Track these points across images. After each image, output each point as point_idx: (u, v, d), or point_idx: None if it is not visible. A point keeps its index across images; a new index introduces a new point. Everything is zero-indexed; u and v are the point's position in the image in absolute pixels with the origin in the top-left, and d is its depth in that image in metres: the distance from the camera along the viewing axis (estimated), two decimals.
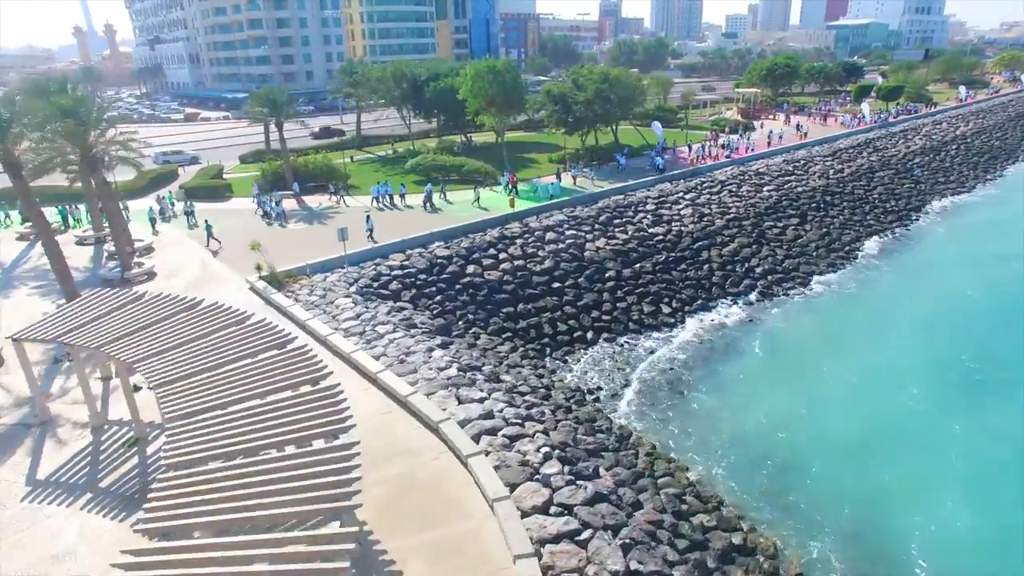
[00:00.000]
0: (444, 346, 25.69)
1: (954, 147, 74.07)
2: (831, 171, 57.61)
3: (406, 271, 32.43)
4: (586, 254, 36.88)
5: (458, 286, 32.64)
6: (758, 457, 23.42)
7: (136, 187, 49.69)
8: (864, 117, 77.48)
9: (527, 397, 22.34)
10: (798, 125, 74.21)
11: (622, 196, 44.36)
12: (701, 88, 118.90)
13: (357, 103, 62.83)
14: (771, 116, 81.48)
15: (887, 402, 26.82)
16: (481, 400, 20.38)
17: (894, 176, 61.06)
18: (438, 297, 31.59)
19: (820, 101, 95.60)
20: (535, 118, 63.59)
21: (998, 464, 23.06)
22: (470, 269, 33.71)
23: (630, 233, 39.57)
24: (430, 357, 23.53)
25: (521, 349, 30.26)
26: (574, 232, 38.21)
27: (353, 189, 47.33)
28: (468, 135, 61.86)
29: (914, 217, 53.07)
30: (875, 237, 47.40)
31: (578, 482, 16.61)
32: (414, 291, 31.47)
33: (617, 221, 40.63)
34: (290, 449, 13.24)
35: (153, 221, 39.63)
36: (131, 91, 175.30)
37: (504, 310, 32.28)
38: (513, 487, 16.14)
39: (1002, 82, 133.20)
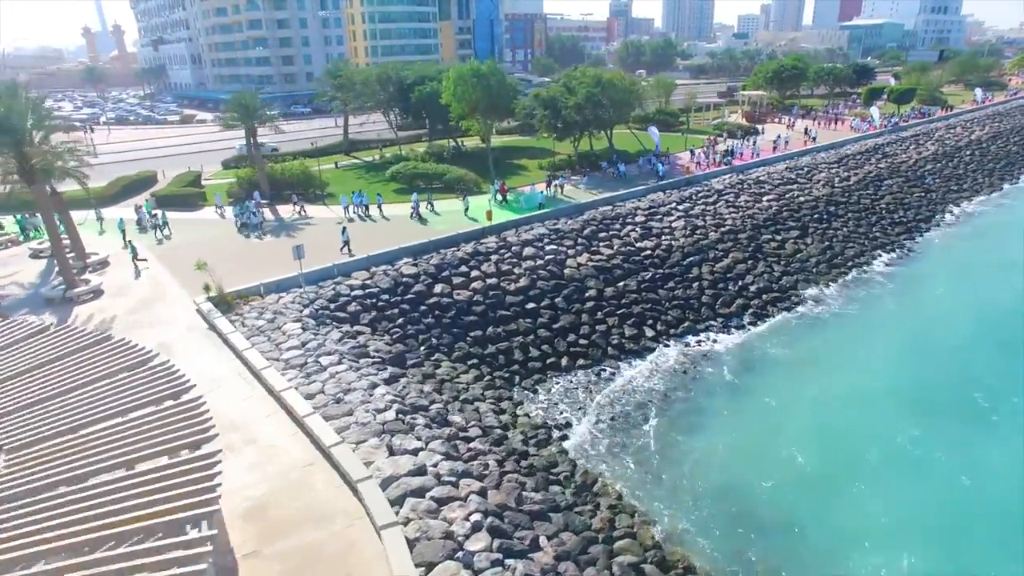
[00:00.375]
0: (392, 380, 23.40)
1: (968, 153, 70.82)
2: (836, 179, 54.76)
3: (368, 291, 30.16)
4: (566, 271, 34.44)
5: (423, 307, 30.33)
6: (740, 508, 20.94)
7: (107, 194, 47.81)
8: (873, 121, 74.35)
9: (474, 444, 19.98)
10: (806, 129, 71.29)
11: (610, 207, 41.85)
12: (718, 94, 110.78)
13: (343, 106, 60.75)
14: (776, 120, 78.50)
15: (889, 444, 24.22)
16: (415, 451, 18.05)
17: (904, 184, 58.07)
18: (400, 320, 29.30)
19: (829, 104, 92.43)
20: (528, 122, 61.19)
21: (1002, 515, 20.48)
22: (438, 288, 31.39)
23: (615, 248, 37.08)
24: (371, 395, 21.24)
25: (487, 378, 27.91)
26: (555, 247, 35.78)
27: (328, 198, 45.14)
28: (458, 140, 59.56)
29: (924, 229, 50.13)
30: (881, 251, 44.55)
31: (507, 562, 14.26)
32: (374, 313, 29.19)
33: (603, 235, 38.16)
34: (152, 464, 13.70)
35: (124, 232, 37.42)
36: (135, 92, 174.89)
37: (472, 333, 29.94)
38: (429, 567, 13.80)
39: (1021, 83, 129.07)
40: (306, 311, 27.90)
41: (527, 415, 25.67)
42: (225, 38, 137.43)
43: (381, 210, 41.77)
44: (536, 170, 52.83)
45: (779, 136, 65.09)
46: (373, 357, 25.46)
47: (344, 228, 35.40)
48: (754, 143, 62.85)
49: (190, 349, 24.51)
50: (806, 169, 55.77)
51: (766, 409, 26.69)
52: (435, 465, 17.49)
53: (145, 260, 34.25)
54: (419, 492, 16.15)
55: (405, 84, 56.95)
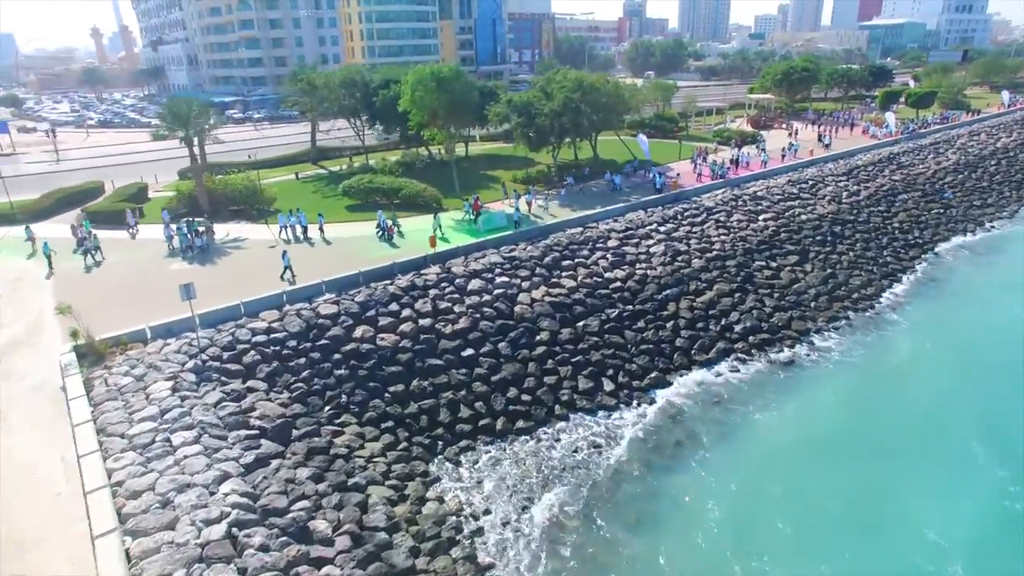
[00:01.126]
0: (257, 466, 18.74)
1: (994, 163, 64.75)
2: (844, 193, 49.30)
3: (272, 336, 25.53)
4: (517, 309, 29.56)
5: (337, 355, 25.64)
6: None
7: (37, 208, 43.69)
8: (888, 127, 68.52)
9: (327, 570, 15.20)
10: (820, 135, 65.77)
11: (580, 229, 36.88)
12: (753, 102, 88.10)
13: (310, 112, 56.39)
14: (782, 125, 72.87)
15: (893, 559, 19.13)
16: None
17: (920, 199, 52.43)
18: (306, 372, 24.66)
19: (841, 108, 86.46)
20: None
21: None
22: (359, 332, 26.68)
23: (579, 279, 32.12)
24: (211, 494, 16.57)
25: (402, 446, 23.17)
26: (507, 279, 30.90)
27: (272, 216, 40.60)
28: (429, 148, 54.86)
29: (941, 252, 44.53)
30: (892, 280, 39.12)
31: None
32: (275, 364, 24.57)
33: (566, 263, 33.21)
34: None
35: (49, 258, 32.95)
36: (136, 93, 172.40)
37: (392, 388, 25.20)
38: None
39: None
40: (190, 363, 23.33)
41: (440, 498, 20.92)
42: (220, 39, 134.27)
43: (323, 232, 37.11)
44: (511, 183, 47.98)
45: (790, 143, 59.83)
46: (251, 428, 20.82)
47: (285, 252, 31.11)
48: (763, 151, 57.53)
49: (21, 418, 20.04)
50: (811, 183, 50.36)
51: (740, 493, 21.65)
52: None
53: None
54: None
55: (371, 88, 52.39)
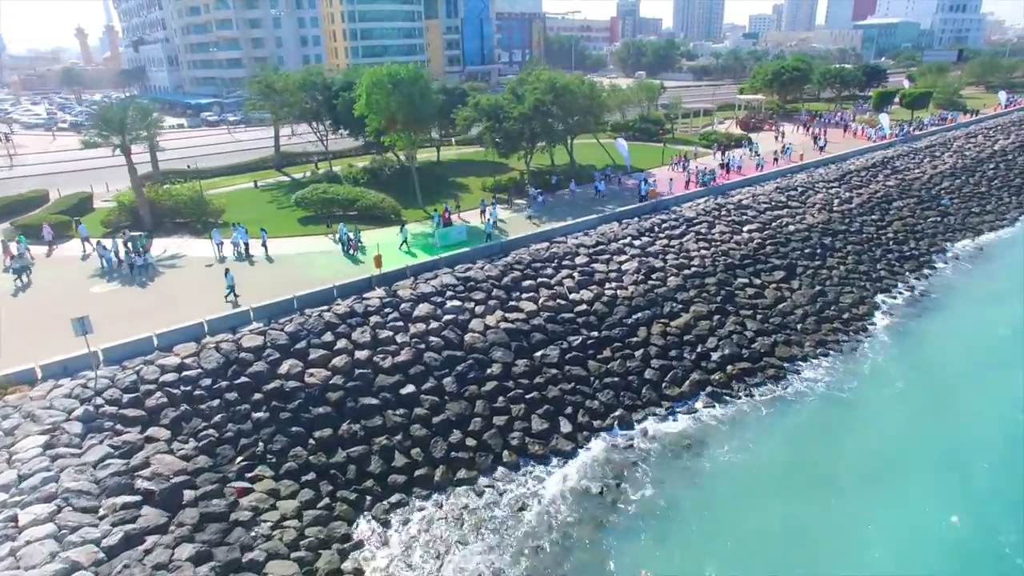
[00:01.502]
0: (123, 547, 15.68)
1: (992, 166, 61.94)
2: (835, 201, 46.40)
3: (183, 375, 22.44)
4: (467, 338, 26.50)
5: (258, 395, 22.58)
6: None
7: None
8: (883, 130, 65.63)
9: None
10: (815, 137, 62.94)
11: (545, 244, 33.81)
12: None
13: (272, 116, 53.22)
14: (772, 128, 69.87)
15: None
16: None
17: (916, 206, 49.57)
18: (218, 416, 21.59)
19: (834, 109, 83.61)
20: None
21: None
22: (285, 367, 23.61)
23: (540, 302, 29.06)
24: None
25: (323, 502, 20.12)
26: (458, 303, 27.84)
27: (223, 228, 37.41)
28: (397, 153, 51.68)
29: (939, 264, 41.69)
30: (886, 297, 36.21)
31: None
32: (184, 408, 21.50)
33: (527, 283, 30.15)
34: None
35: None
36: (118, 95, 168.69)
37: (318, 433, 22.14)
38: None
39: None
40: (80, 410, 20.24)
41: (358, 569, 17.88)
42: (199, 39, 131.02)
43: (266, 248, 33.99)
44: (479, 191, 44.98)
45: (784, 146, 57.04)
46: (135, 492, 17.74)
47: (228, 270, 28.16)
48: (757, 154, 54.57)
49: None
50: (800, 189, 47.44)
51: (711, 555, 18.65)
52: None
53: None
54: None
55: (332, 90, 49.27)
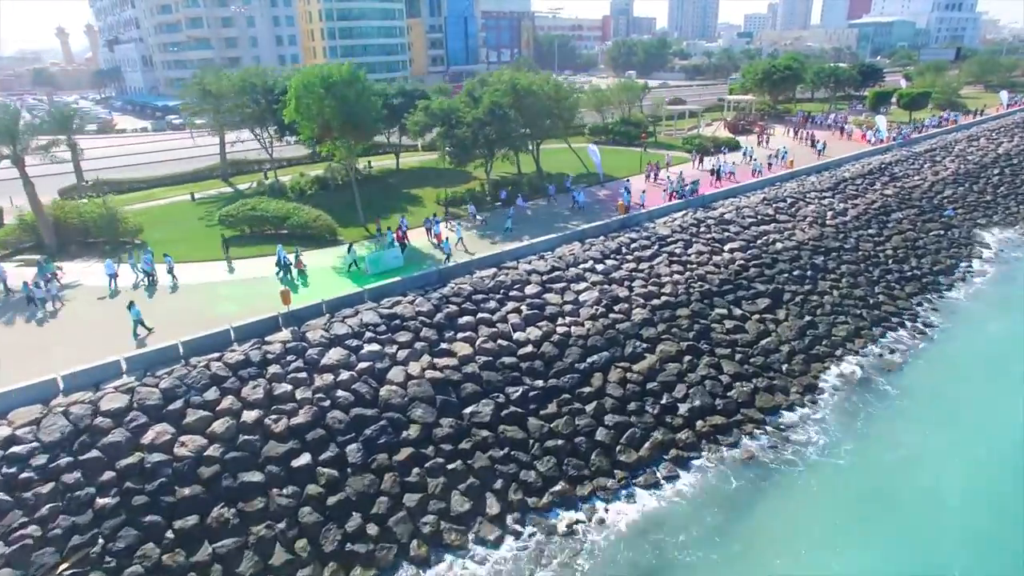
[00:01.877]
0: None
1: (996, 172, 57.70)
2: (829, 213, 42.06)
3: (9, 452, 17.97)
4: (383, 392, 22.04)
5: (108, 475, 18.11)
6: None
7: None
8: (880, 133, 61.34)
9: None
10: (813, 140, 58.71)
11: (491, 271, 29.31)
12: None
13: (213, 121, 48.76)
14: (762, 129, 65.39)
15: None
16: None
17: (917, 218, 45.24)
18: (46, 508, 17.13)
19: (828, 110, 79.30)
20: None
21: None
22: (151, 435, 19.14)
23: (478, 343, 24.60)
24: None
25: None
26: (377, 348, 23.37)
27: (136, 249, 32.91)
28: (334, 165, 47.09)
29: (945, 286, 37.33)
30: (885, 327, 31.84)
31: None
32: (1, 497, 17.01)
33: (465, 320, 25.68)
34: None
35: None
36: (94, 96, 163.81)
37: (178, 524, 17.68)
38: None
39: None
40: None
41: None
42: (172, 38, 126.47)
43: (173, 276, 29.45)
44: (432, 204, 40.58)
45: (779, 150, 52.89)
46: None
47: (132, 303, 23.81)
48: (753, 159, 50.18)
49: None
50: (789, 200, 43.07)
51: None
52: None
53: None
54: None
55: (274, 93, 44.76)
